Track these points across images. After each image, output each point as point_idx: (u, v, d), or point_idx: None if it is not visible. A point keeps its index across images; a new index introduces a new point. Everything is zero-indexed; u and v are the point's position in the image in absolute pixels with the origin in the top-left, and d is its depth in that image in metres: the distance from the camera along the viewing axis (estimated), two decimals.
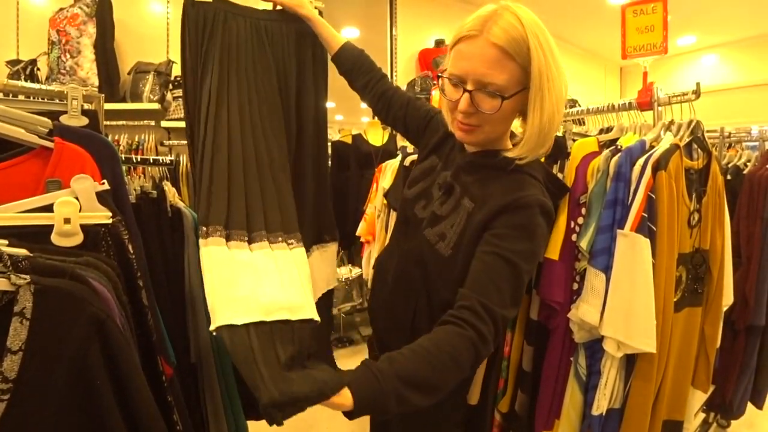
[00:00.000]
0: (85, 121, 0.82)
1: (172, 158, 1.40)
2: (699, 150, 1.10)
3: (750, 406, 1.66)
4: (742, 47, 4.60)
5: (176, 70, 2.62)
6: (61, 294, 0.47)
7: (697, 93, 1.06)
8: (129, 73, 2.56)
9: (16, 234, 0.57)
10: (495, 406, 1.16)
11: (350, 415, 0.64)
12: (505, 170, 0.80)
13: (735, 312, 1.48)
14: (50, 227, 0.61)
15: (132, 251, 0.66)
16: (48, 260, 0.51)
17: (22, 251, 0.51)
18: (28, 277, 0.46)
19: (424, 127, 1.00)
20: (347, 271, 2.68)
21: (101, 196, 0.65)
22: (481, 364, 0.78)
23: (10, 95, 1.09)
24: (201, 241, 0.80)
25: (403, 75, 3.17)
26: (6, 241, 0.52)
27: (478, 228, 0.77)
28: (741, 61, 4.63)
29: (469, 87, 0.74)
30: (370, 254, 2.06)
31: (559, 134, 1.12)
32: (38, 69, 2.40)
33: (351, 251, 2.90)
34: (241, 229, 0.84)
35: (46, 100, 1.05)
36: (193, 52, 0.97)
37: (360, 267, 2.61)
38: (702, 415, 1.87)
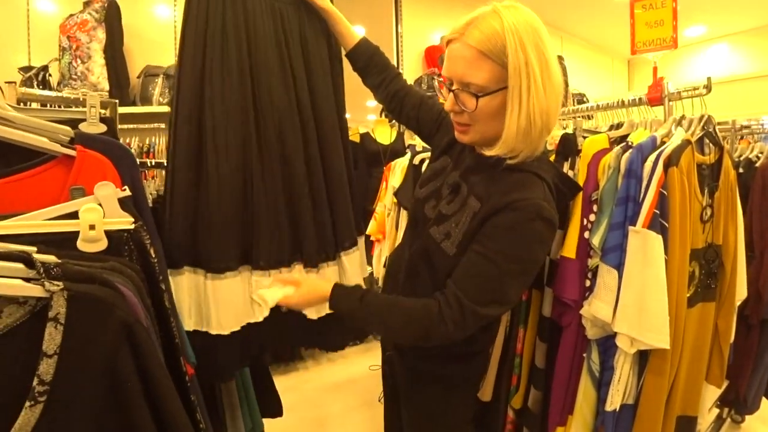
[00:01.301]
0: (103, 128, 0.84)
1: None
2: (711, 145, 1.10)
3: (765, 401, 1.65)
4: (753, 36, 4.52)
5: None
6: (93, 299, 0.48)
7: (708, 88, 1.06)
8: (138, 77, 2.59)
9: (43, 240, 0.59)
10: (508, 402, 1.17)
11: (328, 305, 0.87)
12: (510, 170, 0.80)
13: (748, 307, 1.47)
14: (75, 233, 0.62)
15: (154, 255, 0.67)
16: (76, 266, 0.53)
17: (52, 258, 0.53)
18: (61, 283, 0.47)
19: (436, 128, 1.01)
20: None
21: (123, 202, 0.67)
22: (434, 341, 0.80)
23: (29, 104, 1.12)
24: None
25: (409, 73, 3.17)
26: (35, 248, 0.54)
27: (478, 227, 0.79)
28: (752, 50, 4.55)
29: (454, 87, 0.78)
30: (381, 252, 2.08)
31: (569, 131, 1.12)
32: (50, 75, 2.43)
33: None
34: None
35: (62, 107, 1.07)
36: (201, 25, 0.92)
37: (370, 265, 2.62)
38: (716, 411, 1.86)
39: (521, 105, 0.73)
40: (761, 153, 1.74)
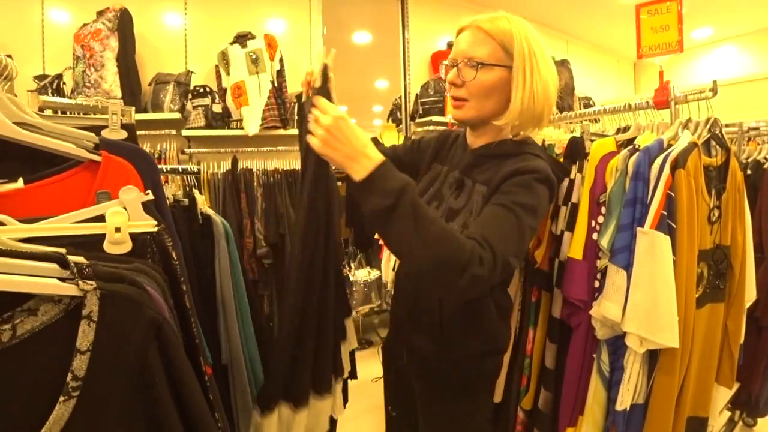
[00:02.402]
0: (124, 134, 0.87)
1: (199, 167, 1.46)
2: (717, 147, 1.11)
3: None
4: (760, 37, 4.50)
5: (195, 80, 2.69)
6: (123, 298, 0.51)
7: (714, 91, 1.07)
8: (150, 84, 2.64)
9: (71, 243, 0.61)
10: (518, 403, 1.18)
11: (355, 182, 0.70)
12: (510, 155, 0.86)
13: (759, 308, 1.46)
14: (101, 236, 0.65)
15: (176, 257, 0.70)
16: (106, 267, 0.55)
17: (81, 259, 0.55)
18: (94, 283, 0.50)
19: (414, 154, 1.09)
20: (365, 274, 2.71)
21: (146, 206, 0.69)
22: (461, 280, 0.65)
23: (46, 111, 1.15)
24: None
25: (416, 78, 3.20)
26: (64, 250, 0.56)
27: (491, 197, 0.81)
28: (760, 51, 4.53)
29: (458, 63, 0.87)
30: (389, 256, 2.09)
31: (577, 135, 1.13)
32: (64, 83, 2.49)
33: (369, 254, 2.94)
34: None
35: (82, 114, 1.11)
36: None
37: (378, 269, 2.64)
38: (727, 413, 1.85)
39: (525, 83, 0.83)
40: None
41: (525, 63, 0.82)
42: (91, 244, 0.64)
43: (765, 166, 1.64)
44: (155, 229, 0.67)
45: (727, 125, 1.76)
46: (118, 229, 0.64)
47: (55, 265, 0.50)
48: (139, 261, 0.63)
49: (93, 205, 0.69)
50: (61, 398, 0.48)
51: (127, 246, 0.65)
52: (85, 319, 0.49)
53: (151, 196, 0.69)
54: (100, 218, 0.66)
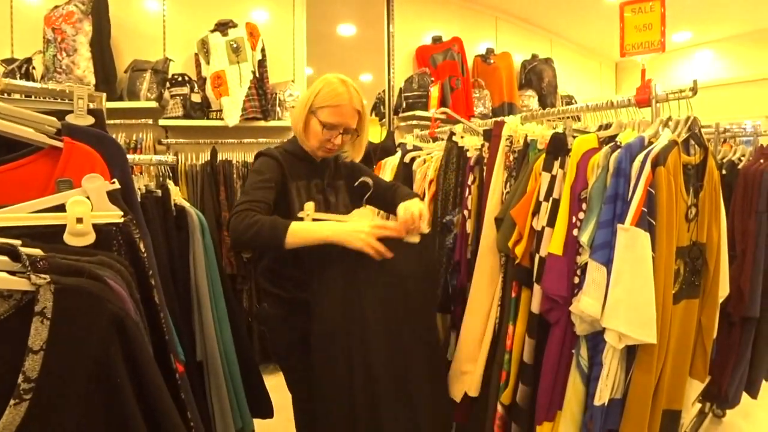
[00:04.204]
0: (91, 120, 0.82)
1: (173, 157, 1.41)
2: (696, 146, 1.12)
3: (745, 395, 1.69)
4: (737, 43, 4.62)
5: (173, 68, 2.60)
6: (82, 293, 0.47)
7: (694, 90, 1.08)
8: (126, 71, 2.54)
9: (28, 234, 0.57)
10: (498, 398, 1.18)
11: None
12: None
13: (730, 304, 1.50)
14: (62, 227, 0.61)
15: (143, 250, 0.66)
16: (64, 260, 0.52)
17: (38, 251, 0.52)
18: (47, 276, 0.46)
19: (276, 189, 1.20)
20: None
21: (112, 196, 0.65)
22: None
23: (11, 95, 1.09)
24: None
25: (400, 72, 3.17)
26: (20, 242, 0.52)
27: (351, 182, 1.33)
28: (736, 56, 4.66)
29: (342, 131, 1.18)
30: None
31: (560, 131, 1.13)
32: (34, 68, 2.38)
33: None
34: None
35: (49, 99, 1.05)
36: None
37: None
38: (698, 405, 1.90)
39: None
40: (743, 155, 1.79)
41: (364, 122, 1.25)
42: (50, 236, 0.60)
43: (739, 167, 1.68)
44: (121, 219, 0.64)
45: (703, 126, 1.80)
46: (80, 220, 0.60)
47: (5, 258, 0.47)
48: (103, 253, 0.60)
49: (53, 193, 0.65)
50: (12, 402, 0.44)
51: (90, 238, 0.61)
52: (38, 316, 0.45)
53: (117, 185, 0.65)
54: (62, 208, 0.62)
